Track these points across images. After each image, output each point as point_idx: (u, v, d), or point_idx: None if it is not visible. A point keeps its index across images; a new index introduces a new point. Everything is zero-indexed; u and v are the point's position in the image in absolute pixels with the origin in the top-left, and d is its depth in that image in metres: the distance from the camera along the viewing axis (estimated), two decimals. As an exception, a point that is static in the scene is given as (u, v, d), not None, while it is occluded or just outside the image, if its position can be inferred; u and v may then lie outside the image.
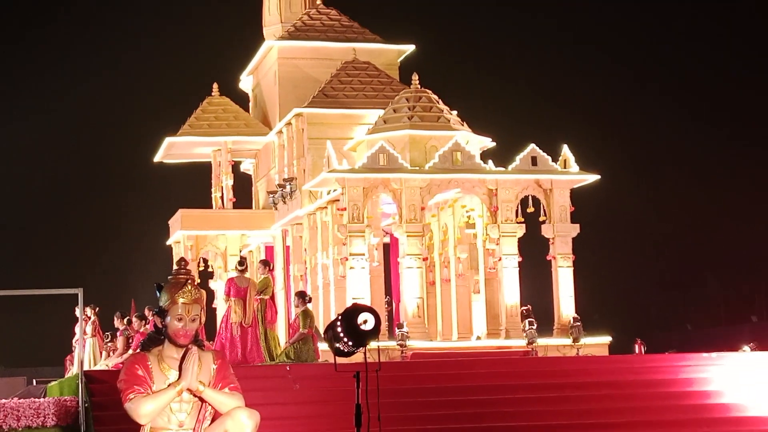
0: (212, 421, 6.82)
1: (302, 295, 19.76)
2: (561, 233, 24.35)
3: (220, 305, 27.54)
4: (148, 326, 20.61)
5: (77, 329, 20.73)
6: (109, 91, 53.94)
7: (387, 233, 26.93)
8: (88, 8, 58.73)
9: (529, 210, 24.49)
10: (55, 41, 56.04)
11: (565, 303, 24.22)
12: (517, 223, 24.30)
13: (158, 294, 6.98)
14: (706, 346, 24.26)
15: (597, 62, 53.67)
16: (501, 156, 25.67)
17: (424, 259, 24.40)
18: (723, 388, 16.67)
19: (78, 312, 17.68)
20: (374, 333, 7.51)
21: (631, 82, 54.02)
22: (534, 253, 25.14)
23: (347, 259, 23.68)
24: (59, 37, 56.16)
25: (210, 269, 30.08)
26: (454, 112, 25.90)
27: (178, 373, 6.78)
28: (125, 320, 22.43)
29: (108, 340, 23.55)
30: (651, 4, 55.16)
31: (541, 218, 24.58)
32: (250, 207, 31.53)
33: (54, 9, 56.75)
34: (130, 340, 21.64)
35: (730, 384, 16.84)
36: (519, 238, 24.33)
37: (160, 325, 7.00)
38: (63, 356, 26.12)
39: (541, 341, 23.11)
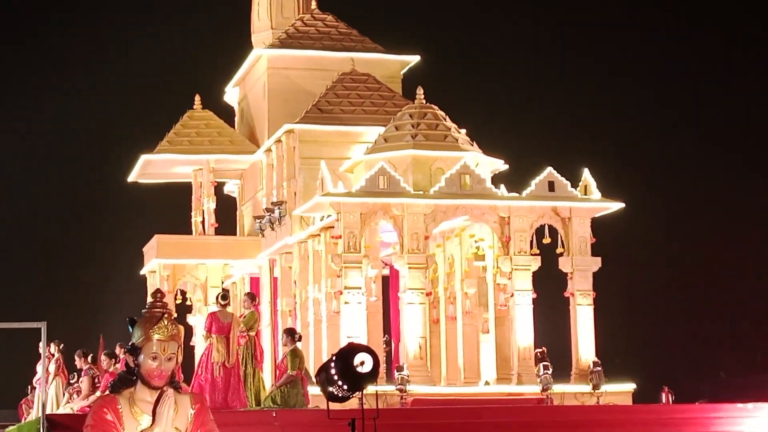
0: (189, 473, 6.78)
1: (291, 333, 19.70)
2: (580, 267, 24.35)
3: (200, 343, 27.47)
4: (118, 365, 20.52)
5: (39, 368, 20.64)
6: (79, 104, 54.00)
7: (386, 265, 26.91)
8: (54, 16, 58.95)
9: (545, 241, 24.50)
10: (20, 52, 56.27)
11: (585, 345, 24.17)
12: (532, 255, 24.31)
13: (131, 329, 6.94)
14: (741, 396, 24.19)
15: (622, 73, 53.82)
16: (514, 180, 25.73)
17: (428, 294, 24.39)
18: (761, 443, 16.63)
19: (41, 348, 17.61)
20: (371, 376, 7.48)
21: (661, 98, 54.16)
22: (550, 289, 25.13)
23: (342, 293, 23.66)
24: (24, 48, 56.43)
25: (189, 302, 30.08)
26: (463, 131, 25.96)
27: (151, 418, 6.74)
28: (89, 358, 22.35)
29: (73, 381, 23.46)
30: (678, 25, 55.40)
31: (559, 250, 24.59)
32: (234, 233, 31.55)
33: (21, 21, 56.99)
34: (96, 381, 21.54)
35: (769, 438, 16.80)
36: (534, 272, 24.33)
37: (132, 365, 6.96)
38: (18, 399, 26.03)
39: (557, 388, 23.05)
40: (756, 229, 47.36)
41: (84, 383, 21.91)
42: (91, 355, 22.47)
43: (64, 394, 23.13)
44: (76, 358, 22.57)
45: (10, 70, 54.95)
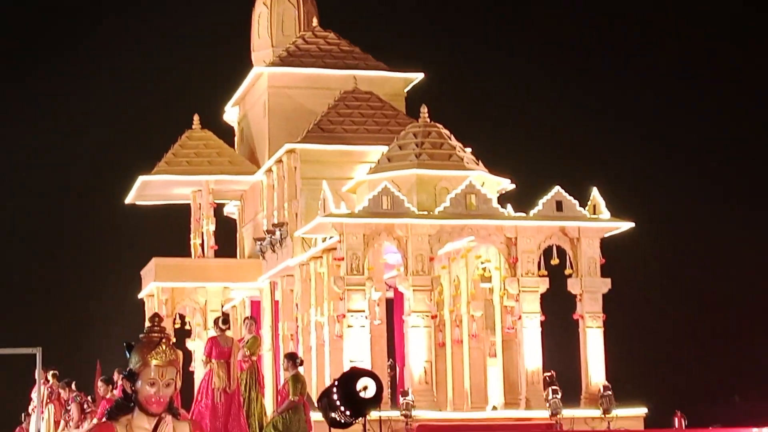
0: (188, 502, 6.77)
1: (293, 357, 19.64)
2: (590, 289, 24.34)
3: (199, 368, 27.43)
4: (115, 392, 20.50)
5: (34, 395, 20.63)
6: (76, 125, 54.11)
7: (390, 287, 26.91)
8: (48, 31, 59.14)
9: (553, 262, 24.51)
10: (16, 73, 56.44)
11: (595, 369, 24.15)
12: (540, 276, 24.32)
13: (128, 355, 6.94)
14: (756, 421, 24.14)
15: (638, 85, 53.93)
16: (521, 200, 25.75)
17: (433, 317, 24.38)
18: (776, 469, 16.59)
19: (36, 375, 17.59)
20: (375, 401, 7.48)
21: (673, 113, 54.25)
22: (559, 312, 25.11)
23: (345, 317, 23.65)
24: (21, 69, 56.59)
25: (188, 327, 30.05)
26: (468, 150, 26.00)
27: (149, 446, 6.74)
28: (73, 385, 22.40)
29: (69, 408, 23.46)
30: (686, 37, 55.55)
31: (567, 271, 24.60)
32: (234, 256, 31.56)
33: (19, 41, 57.19)
34: (85, 407, 21.56)
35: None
36: (542, 294, 24.33)
37: (129, 391, 6.95)
38: (12, 428, 26.02)
39: (567, 412, 23.03)
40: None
41: (73, 410, 21.94)
42: (74, 381, 22.53)
43: (59, 422, 23.13)
44: (60, 389, 22.62)
45: (5, 91, 55.10)
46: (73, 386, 22.25)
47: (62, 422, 23.08)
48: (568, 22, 55.50)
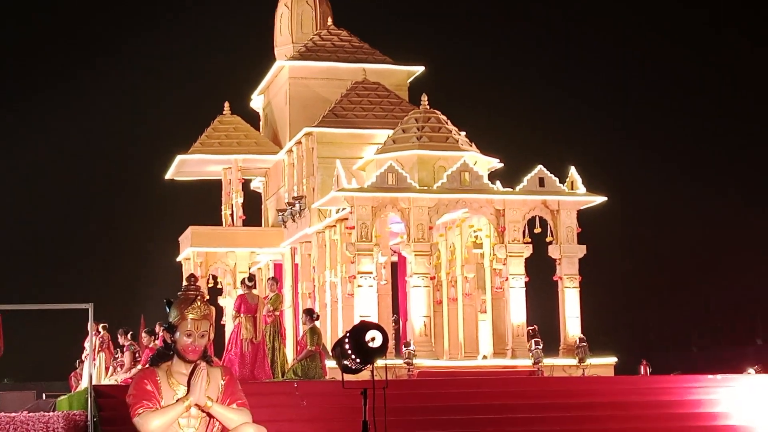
0: (220, 436, 6.80)
1: (310, 313, 19.71)
2: (568, 254, 24.31)
3: (229, 322, 27.49)
4: (157, 342, 20.56)
5: (87, 344, 20.69)
6: (122, 110, 54.16)
7: (395, 252, 26.89)
8: (99, 29, 59.04)
9: (536, 231, 24.46)
10: (70, 65, 56.39)
11: (572, 323, 24.14)
12: (524, 243, 24.26)
13: (168, 310, 6.96)
14: (710, 368, 24.13)
15: (610, 81, 53.83)
16: (509, 177, 25.67)
17: (432, 278, 24.36)
18: (730, 410, 16.58)
19: (89, 327, 17.64)
20: (381, 351, 7.48)
21: (643, 102, 54.21)
22: (541, 274, 25.09)
23: (355, 278, 23.64)
24: (74, 60, 56.52)
25: (219, 286, 30.05)
26: (463, 133, 25.90)
27: (186, 388, 6.76)
28: (130, 335, 22.42)
29: (117, 356, 23.51)
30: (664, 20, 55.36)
31: (548, 239, 24.54)
32: (260, 225, 31.53)
33: (68, 31, 57.08)
34: (138, 355, 21.60)
35: (737, 406, 16.74)
36: (526, 259, 24.28)
37: (169, 341, 6.98)
38: (68, 373, 26.10)
39: (547, 361, 23.03)
40: (730, 220, 47.33)
41: (126, 357, 21.99)
42: (132, 332, 22.54)
43: (108, 368, 23.19)
44: (119, 335, 22.64)
45: (69, 79, 55.15)
46: (129, 336, 22.30)
47: (111, 368, 23.16)
48: (551, 23, 55.37)
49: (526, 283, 24.22)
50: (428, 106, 25.91)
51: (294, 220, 27.97)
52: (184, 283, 7.15)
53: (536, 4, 56.10)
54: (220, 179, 30.87)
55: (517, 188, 24.56)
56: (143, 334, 22.14)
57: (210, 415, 6.76)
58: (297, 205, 27.56)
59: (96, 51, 57.75)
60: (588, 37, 54.90)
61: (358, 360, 7.44)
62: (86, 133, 52.08)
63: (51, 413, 15.37)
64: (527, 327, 24.03)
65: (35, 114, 55.66)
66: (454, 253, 26.40)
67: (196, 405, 6.69)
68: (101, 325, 23.27)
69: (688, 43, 54.28)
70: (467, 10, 54.78)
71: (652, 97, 54.56)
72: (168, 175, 31.67)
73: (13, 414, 15.17)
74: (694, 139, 51.75)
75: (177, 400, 6.69)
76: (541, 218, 24.52)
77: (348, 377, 7.70)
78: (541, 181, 24.53)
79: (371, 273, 23.62)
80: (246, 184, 31.29)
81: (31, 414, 15.20)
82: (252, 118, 31.96)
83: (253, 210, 31.64)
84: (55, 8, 55.69)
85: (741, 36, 53.82)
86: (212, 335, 6.98)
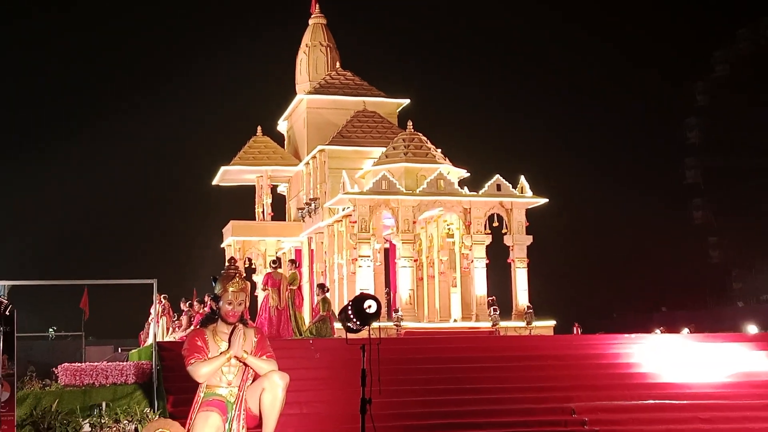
0: (253, 380, 6.81)
1: (322, 287, 19.75)
2: (518, 242, 24.34)
3: (260, 293, 27.49)
4: (206, 308, 20.57)
5: (152, 310, 20.69)
6: (179, 131, 54.06)
7: (387, 240, 26.90)
8: (161, 67, 58.85)
9: (494, 224, 24.48)
10: (138, 96, 56.31)
11: (521, 295, 24.17)
12: (485, 234, 24.30)
13: (214, 284, 6.98)
14: (627, 329, 24.19)
15: (555, 109, 53.89)
16: (474, 183, 25.68)
17: (415, 261, 24.38)
18: (641, 361, 16.60)
19: (153, 297, 17.62)
20: (376, 315, 7.49)
21: (577, 120, 54.24)
22: (498, 257, 25.12)
23: (357, 260, 23.65)
24: (144, 92, 56.45)
25: (253, 266, 30.03)
26: (439, 150, 25.91)
27: (227, 344, 6.77)
28: (188, 304, 22.42)
29: (175, 319, 23.50)
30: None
31: (504, 231, 24.56)
32: (284, 219, 31.49)
33: (132, 65, 56.98)
34: (192, 319, 21.61)
35: (647, 358, 16.77)
36: (487, 246, 24.31)
37: (214, 308, 7.00)
38: (137, 333, 26.09)
39: (503, 324, 23.06)
40: (642, 215, 47.37)
41: (183, 320, 21.99)
42: (189, 301, 22.53)
43: (168, 328, 23.19)
44: (181, 303, 22.66)
45: (135, 106, 55.05)
46: (188, 304, 22.28)
47: (170, 329, 23.16)
48: (510, 63, 55.40)
49: (486, 264, 24.24)
50: (413, 130, 25.91)
51: (310, 216, 27.96)
52: (226, 264, 7.15)
53: (498, 45, 56.20)
54: (254, 185, 30.83)
55: (480, 192, 24.57)
56: (195, 303, 22.15)
57: (246, 365, 6.77)
58: (312, 205, 27.55)
59: (158, 85, 57.68)
60: (538, 74, 54.95)
61: (358, 322, 7.45)
62: (152, 147, 52.08)
63: (125, 363, 15.37)
64: (488, 297, 24.06)
65: (113, 135, 55.56)
66: (432, 242, 26.40)
67: (235, 356, 6.71)
68: (162, 296, 23.28)
69: (616, 80, 54.39)
70: (447, 53, 54.92)
71: (586, 121, 54.64)
72: (214, 182, 31.61)
73: (96, 363, 15.17)
74: (619, 151, 51.91)
75: (220, 353, 6.71)
76: (498, 215, 24.54)
77: (351, 336, 7.70)
78: (498, 187, 24.55)
79: (369, 257, 23.63)
80: (274, 188, 31.24)
81: (109, 363, 15.19)
82: (278, 139, 31.92)
83: (279, 208, 31.61)
84: (119, 46, 55.58)
85: (655, 73, 53.82)
86: (248, 303, 7.00)
